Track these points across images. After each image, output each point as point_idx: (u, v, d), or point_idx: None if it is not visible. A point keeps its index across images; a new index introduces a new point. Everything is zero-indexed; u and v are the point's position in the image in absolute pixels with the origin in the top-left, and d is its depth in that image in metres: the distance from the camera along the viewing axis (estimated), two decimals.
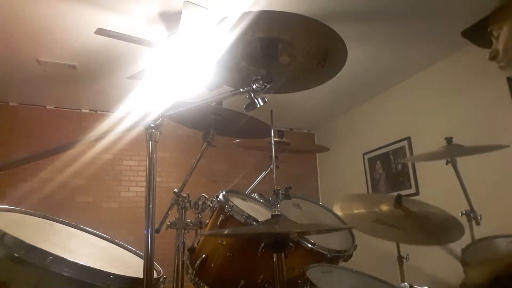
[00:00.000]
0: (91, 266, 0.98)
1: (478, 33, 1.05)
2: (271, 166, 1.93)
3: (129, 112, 4.39)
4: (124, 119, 1.18)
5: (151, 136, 1.03)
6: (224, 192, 1.57)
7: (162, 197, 1.99)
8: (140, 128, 1.05)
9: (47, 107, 4.58)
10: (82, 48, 3.27)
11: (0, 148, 4.16)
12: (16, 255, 0.91)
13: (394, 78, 4.11)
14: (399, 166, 4.19)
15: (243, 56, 1.31)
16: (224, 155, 4.93)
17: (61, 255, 0.95)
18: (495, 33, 1.00)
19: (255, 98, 1.17)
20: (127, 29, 2.86)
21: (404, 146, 4.09)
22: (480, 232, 1.92)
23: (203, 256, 1.44)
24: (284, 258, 1.15)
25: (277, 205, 1.22)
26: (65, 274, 0.93)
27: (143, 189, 4.40)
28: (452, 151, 2.05)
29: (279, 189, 1.29)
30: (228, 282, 1.38)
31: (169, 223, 1.82)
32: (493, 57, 1.01)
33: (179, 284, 1.73)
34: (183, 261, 1.75)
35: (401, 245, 2.23)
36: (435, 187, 3.53)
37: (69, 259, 0.95)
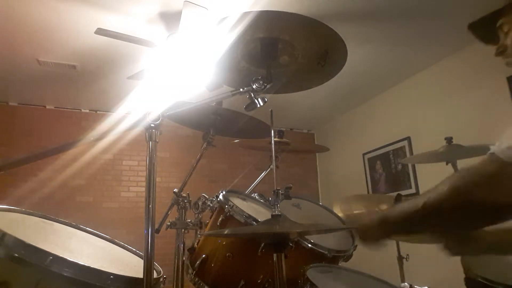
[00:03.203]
0: (91, 266, 0.97)
1: (486, 27, 1.02)
2: (271, 166, 1.92)
3: (129, 112, 4.39)
4: (124, 119, 1.17)
5: (151, 136, 1.03)
6: (224, 192, 1.57)
7: (162, 197, 1.98)
8: (140, 128, 1.05)
9: (47, 107, 4.58)
10: (82, 48, 3.27)
11: (0, 148, 4.16)
12: (16, 255, 0.91)
13: (394, 78, 4.11)
14: (399, 166, 4.19)
15: (243, 56, 1.31)
16: (224, 155, 4.93)
17: (61, 255, 0.94)
18: (505, 28, 0.97)
19: (255, 98, 1.17)
20: (127, 29, 2.86)
21: (404, 146, 4.09)
22: None
23: (203, 256, 1.44)
24: (284, 258, 1.15)
25: (277, 205, 1.22)
26: (65, 274, 0.93)
27: (143, 189, 4.39)
28: (452, 151, 2.05)
29: (279, 189, 1.28)
30: (228, 282, 1.38)
31: (169, 223, 1.82)
32: (501, 53, 0.98)
33: (179, 284, 1.74)
34: (183, 261, 1.75)
35: (401, 245, 2.23)
36: None
37: (69, 259, 0.95)
